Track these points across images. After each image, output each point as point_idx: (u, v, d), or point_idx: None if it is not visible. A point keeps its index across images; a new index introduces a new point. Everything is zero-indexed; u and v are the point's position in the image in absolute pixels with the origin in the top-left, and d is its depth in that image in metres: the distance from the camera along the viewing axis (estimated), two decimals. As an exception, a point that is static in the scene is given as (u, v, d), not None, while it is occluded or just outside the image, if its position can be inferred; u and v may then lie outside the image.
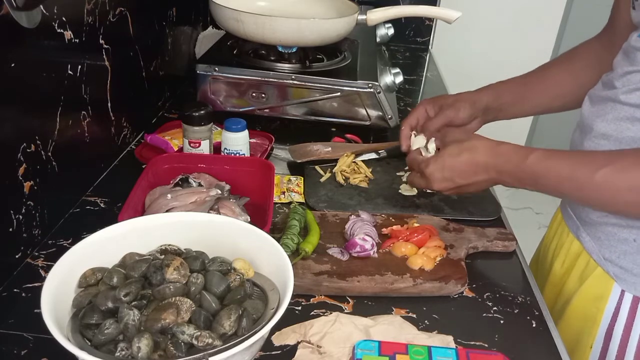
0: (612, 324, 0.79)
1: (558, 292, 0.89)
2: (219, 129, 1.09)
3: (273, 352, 0.66)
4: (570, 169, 0.72)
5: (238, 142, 0.99)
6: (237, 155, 1.00)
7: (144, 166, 0.93)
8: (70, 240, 0.82)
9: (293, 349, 0.66)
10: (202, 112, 0.97)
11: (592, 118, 0.79)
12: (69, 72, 0.84)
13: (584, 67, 0.92)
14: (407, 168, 1.07)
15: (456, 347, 0.68)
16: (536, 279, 0.85)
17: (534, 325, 0.74)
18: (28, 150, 0.75)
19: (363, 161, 1.07)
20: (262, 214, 0.82)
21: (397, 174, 1.06)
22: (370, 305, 0.75)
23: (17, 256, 0.76)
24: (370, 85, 1.15)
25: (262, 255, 0.66)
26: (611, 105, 0.76)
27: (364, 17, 1.19)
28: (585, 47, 0.95)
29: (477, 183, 0.81)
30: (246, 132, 1.00)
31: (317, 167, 1.05)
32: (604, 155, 0.73)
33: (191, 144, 0.99)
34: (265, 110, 1.19)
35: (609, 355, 0.80)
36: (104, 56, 0.95)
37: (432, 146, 0.94)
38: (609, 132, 0.76)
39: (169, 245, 0.65)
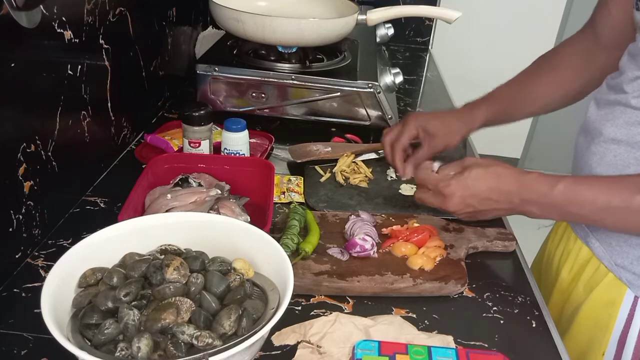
0: (626, 331, 0.78)
1: (566, 299, 0.88)
2: (219, 129, 1.09)
3: (273, 352, 0.66)
4: (605, 196, 0.70)
5: (238, 142, 0.99)
6: (237, 155, 1.00)
7: (144, 166, 0.93)
8: (70, 240, 0.82)
9: (293, 349, 0.66)
10: (202, 112, 0.97)
11: (601, 122, 0.78)
12: (69, 72, 0.84)
13: (572, 74, 0.92)
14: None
15: (456, 347, 0.68)
16: (541, 286, 0.84)
17: (534, 325, 0.74)
18: (28, 150, 0.75)
19: (363, 161, 1.07)
20: (262, 214, 0.82)
21: (398, 174, 1.06)
22: (370, 305, 0.75)
23: (17, 256, 0.76)
24: (370, 85, 1.15)
25: (262, 255, 0.66)
26: (621, 110, 0.75)
27: (364, 17, 1.19)
28: (567, 50, 0.94)
29: (497, 210, 0.78)
30: (246, 132, 1.00)
31: (317, 167, 1.05)
32: (638, 179, 0.70)
33: (191, 144, 0.99)
34: (265, 110, 1.19)
35: None
36: (104, 56, 0.95)
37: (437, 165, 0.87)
38: (620, 136, 0.75)
39: (169, 245, 0.65)
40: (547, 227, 1.01)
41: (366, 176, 1.03)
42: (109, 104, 0.99)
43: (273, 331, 0.67)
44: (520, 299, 0.78)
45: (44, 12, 0.75)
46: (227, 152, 1.00)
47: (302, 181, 1.02)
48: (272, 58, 1.22)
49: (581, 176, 0.74)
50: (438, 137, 0.97)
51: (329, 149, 1.09)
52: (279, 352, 0.66)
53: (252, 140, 1.06)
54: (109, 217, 0.79)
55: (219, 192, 0.86)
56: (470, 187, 0.77)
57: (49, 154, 0.81)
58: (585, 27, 0.92)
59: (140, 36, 1.09)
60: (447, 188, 0.79)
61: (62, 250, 0.62)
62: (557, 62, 0.94)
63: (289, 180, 1.01)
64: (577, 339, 0.83)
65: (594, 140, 0.79)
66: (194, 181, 0.88)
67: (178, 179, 0.88)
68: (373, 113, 1.18)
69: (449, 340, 0.69)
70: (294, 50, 1.22)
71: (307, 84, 1.16)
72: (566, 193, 0.71)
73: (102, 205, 0.92)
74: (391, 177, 1.05)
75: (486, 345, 0.70)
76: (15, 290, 0.73)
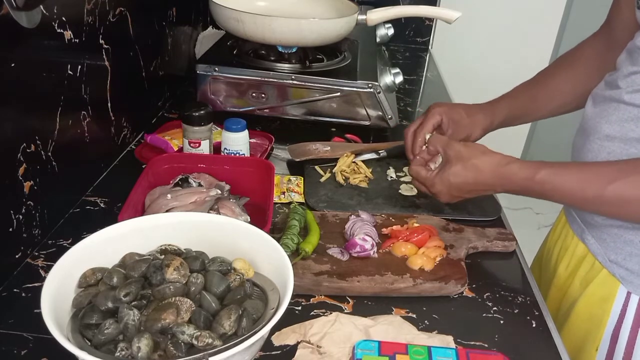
0: (619, 326, 0.79)
1: (563, 295, 0.89)
2: (219, 129, 1.09)
3: (273, 352, 0.66)
4: (579, 185, 0.73)
5: (238, 142, 0.99)
6: (237, 155, 1.00)
7: (144, 166, 0.93)
8: (70, 240, 0.82)
9: (293, 349, 0.66)
10: (202, 112, 0.97)
11: (596, 119, 0.79)
12: (69, 72, 0.84)
13: (586, 74, 0.92)
14: (405, 168, 1.07)
15: (456, 347, 0.68)
16: (540, 282, 0.85)
17: (534, 325, 0.74)
18: (28, 150, 0.75)
19: (363, 161, 1.07)
20: (262, 214, 0.82)
21: (398, 174, 1.06)
22: (370, 305, 0.75)
23: (17, 256, 0.76)
24: (370, 85, 1.14)
25: (262, 255, 0.66)
26: (615, 106, 0.76)
27: (364, 17, 1.19)
28: (585, 49, 0.95)
29: (485, 192, 0.84)
30: (246, 132, 1.00)
31: (317, 167, 1.05)
32: (612, 168, 0.73)
33: (191, 144, 0.99)
34: (265, 110, 1.19)
35: (616, 357, 0.80)
36: (104, 56, 0.95)
37: (439, 161, 0.89)
38: (614, 133, 0.76)
39: (169, 245, 0.65)
40: (547, 227, 1.00)
41: (366, 176, 1.03)
42: (109, 104, 0.99)
43: (273, 331, 0.67)
44: (520, 299, 0.78)
45: (44, 12, 0.75)
46: (227, 152, 1.00)
47: (302, 181, 1.02)
48: (272, 58, 1.22)
49: (560, 165, 0.75)
50: (462, 125, 0.95)
51: (328, 148, 1.09)
52: (279, 352, 0.66)
53: (252, 140, 1.06)
54: (109, 217, 0.79)
55: (219, 192, 0.86)
56: (453, 184, 0.83)
57: (49, 154, 0.81)
58: (602, 26, 0.93)
59: (140, 36, 1.09)
60: (433, 188, 0.86)
61: (62, 250, 0.62)
62: (574, 60, 0.96)
63: (289, 180, 1.01)
64: (573, 333, 0.84)
65: (589, 138, 0.80)
66: (194, 181, 0.88)
67: (178, 179, 0.88)
68: (373, 113, 1.17)
69: (449, 340, 0.69)
70: (294, 50, 1.22)
71: (307, 84, 1.16)
72: (544, 184, 0.75)
73: (102, 205, 0.92)
74: (391, 177, 1.05)
75: (486, 345, 0.70)
76: (15, 290, 0.73)
